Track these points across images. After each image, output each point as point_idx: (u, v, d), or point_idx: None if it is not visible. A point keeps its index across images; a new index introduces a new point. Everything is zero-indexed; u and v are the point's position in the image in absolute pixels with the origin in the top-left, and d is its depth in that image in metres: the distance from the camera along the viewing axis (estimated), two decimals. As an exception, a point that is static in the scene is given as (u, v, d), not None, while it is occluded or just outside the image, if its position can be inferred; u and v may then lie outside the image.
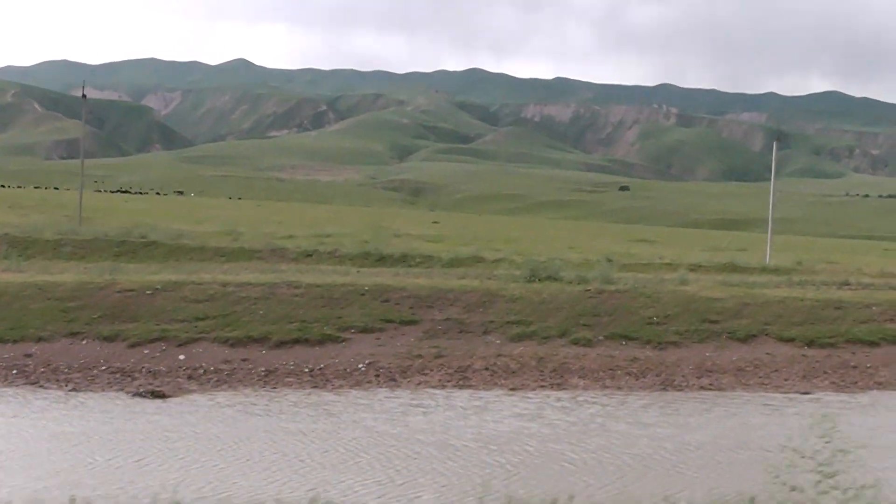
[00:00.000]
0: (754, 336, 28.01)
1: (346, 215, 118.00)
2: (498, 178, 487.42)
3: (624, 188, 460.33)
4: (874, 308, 30.42)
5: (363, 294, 29.67)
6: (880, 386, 24.94)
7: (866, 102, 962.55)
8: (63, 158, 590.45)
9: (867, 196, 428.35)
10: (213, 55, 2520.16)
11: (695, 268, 40.07)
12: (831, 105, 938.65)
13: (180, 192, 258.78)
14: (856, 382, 25.08)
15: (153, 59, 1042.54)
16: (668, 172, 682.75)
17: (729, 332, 28.05)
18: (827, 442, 8.17)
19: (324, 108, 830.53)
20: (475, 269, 37.24)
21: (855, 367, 26.34)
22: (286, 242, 47.30)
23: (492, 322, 28.38)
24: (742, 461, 17.24)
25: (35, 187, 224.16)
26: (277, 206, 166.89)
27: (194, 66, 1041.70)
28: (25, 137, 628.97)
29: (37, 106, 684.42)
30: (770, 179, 49.18)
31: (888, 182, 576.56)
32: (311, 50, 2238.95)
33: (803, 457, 8.08)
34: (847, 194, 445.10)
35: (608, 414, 21.17)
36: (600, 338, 27.54)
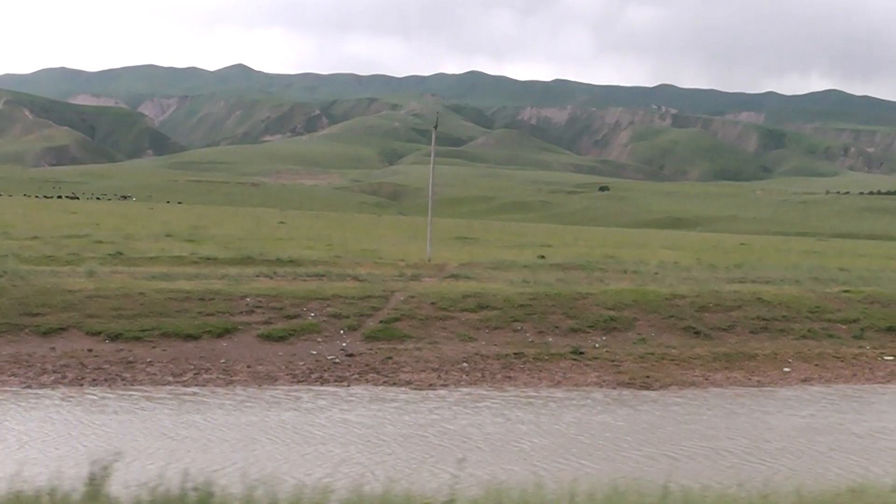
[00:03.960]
0: (63, 329, 25.28)
1: (183, 217, 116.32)
2: (479, 181, 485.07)
3: (604, 188, 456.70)
4: (249, 299, 27.65)
5: None
6: (119, 382, 22.19)
7: (866, 101, 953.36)
8: (52, 165, 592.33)
9: (847, 193, 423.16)
10: (212, 61, 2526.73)
11: (202, 260, 37.13)
12: (830, 104, 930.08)
13: (125, 198, 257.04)
14: (83, 379, 22.36)
15: (151, 66, 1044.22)
16: (661, 173, 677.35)
17: (35, 326, 25.36)
18: None
19: (317, 112, 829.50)
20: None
21: (131, 362, 23.60)
22: None
23: None
24: None
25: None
26: (176, 209, 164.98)
27: (193, 72, 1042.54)
28: (15, 145, 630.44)
29: (27, 114, 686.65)
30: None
31: (881, 180, 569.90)
32: (311, 55, 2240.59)
33: None
34: (827, 192, 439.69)
35: None
36: None
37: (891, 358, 26.78)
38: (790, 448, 17.18)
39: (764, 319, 28.45)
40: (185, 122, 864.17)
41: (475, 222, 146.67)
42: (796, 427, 19.02)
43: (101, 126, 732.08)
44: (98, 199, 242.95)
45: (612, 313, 27.66)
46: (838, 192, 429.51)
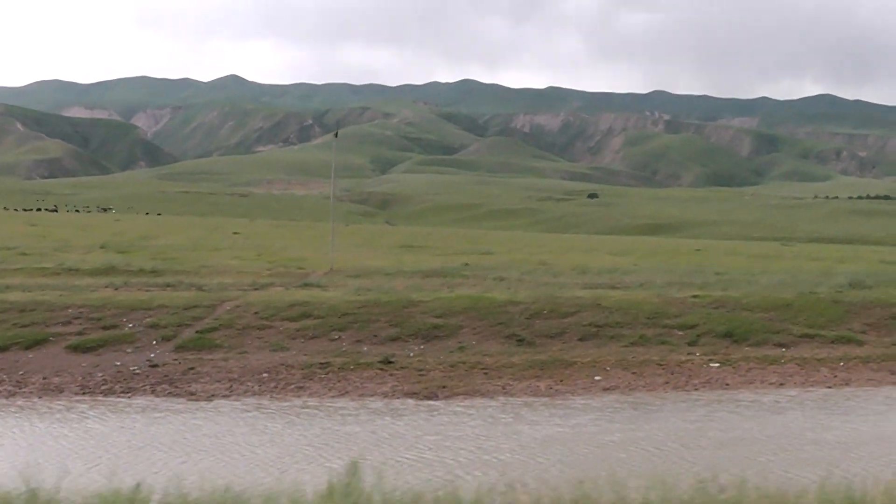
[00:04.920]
0: None
1: (141, 227, 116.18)
2: (470, 189, 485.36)
3: (592, 195, 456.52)
4: (71, 310, 27.53)
5: None
6: None
7: (859, 105, 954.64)
8: (44, 178, 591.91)
9: (835, 198, 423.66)
10: (206, 72, 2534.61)
11: (64, 271, 36.98)
12: (823, 108, 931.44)
13: (105, 210, 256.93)
14: None
15: (145, 77, 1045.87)
16: (653, 179, 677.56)
17: None
18: None
19: (310, 122, 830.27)
20: None
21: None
22: None
23: None
24: None
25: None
26: (144, 220, 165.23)
27: (186, 83, 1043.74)
28: (7, 158, 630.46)
29: (19, 126, 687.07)
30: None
31: (872, 184, 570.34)
32: (304, 65, 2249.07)
33: None
34: (815, 196, 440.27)
35: None
36: None
37: (717, 365, 26.52)
38: (511, 459, 16.93)
39: (596, 326, 28.21)
40: (178, 133, 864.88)
41: (439, 230, 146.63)
42: (541, 437, 18.76)
43: (94, 138, 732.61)
44: (77, 211, 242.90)
45: (438, 321, 27.45)
46: (826, 197, 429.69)
